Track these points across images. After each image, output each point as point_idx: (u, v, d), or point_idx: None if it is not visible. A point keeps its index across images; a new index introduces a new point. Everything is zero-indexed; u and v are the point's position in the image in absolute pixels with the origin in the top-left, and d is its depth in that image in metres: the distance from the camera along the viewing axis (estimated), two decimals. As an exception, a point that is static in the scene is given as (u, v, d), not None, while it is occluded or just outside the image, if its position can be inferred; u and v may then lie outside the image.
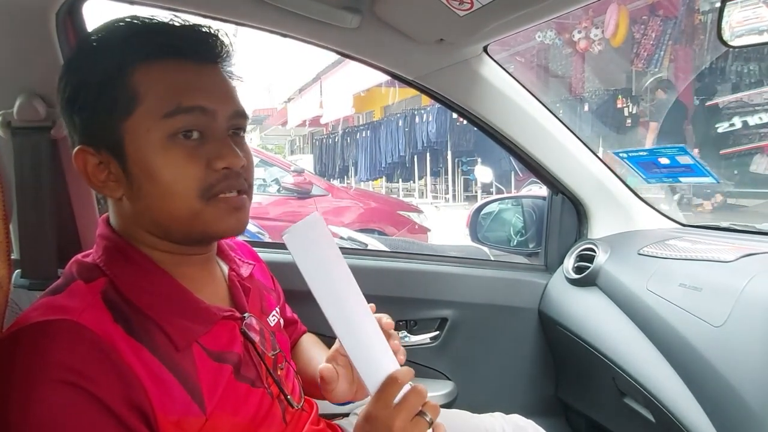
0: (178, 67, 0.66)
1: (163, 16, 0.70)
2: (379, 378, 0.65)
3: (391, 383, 0.64)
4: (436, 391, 1.43)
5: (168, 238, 0.69)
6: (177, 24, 0.68)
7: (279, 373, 0.79)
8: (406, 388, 0.65)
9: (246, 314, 0.76)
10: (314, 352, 0.97)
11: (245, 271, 0.83)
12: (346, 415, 1.05)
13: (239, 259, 0.85)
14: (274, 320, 0.85)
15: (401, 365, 0.68)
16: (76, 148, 0.68)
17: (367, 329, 0.67)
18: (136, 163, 0.65)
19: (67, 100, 0.67)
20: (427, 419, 0.64)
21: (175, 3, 1.07)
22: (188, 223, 0.67)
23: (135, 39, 0.66)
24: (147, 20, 0.68)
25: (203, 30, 0.68)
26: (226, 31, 0.70)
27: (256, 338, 0.75)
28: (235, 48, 0.71)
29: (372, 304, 0.71)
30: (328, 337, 1.16)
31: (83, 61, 0.67)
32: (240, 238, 0.98)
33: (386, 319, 0.76)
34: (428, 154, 11.11)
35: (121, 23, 0.68)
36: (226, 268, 0.81)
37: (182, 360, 0.65)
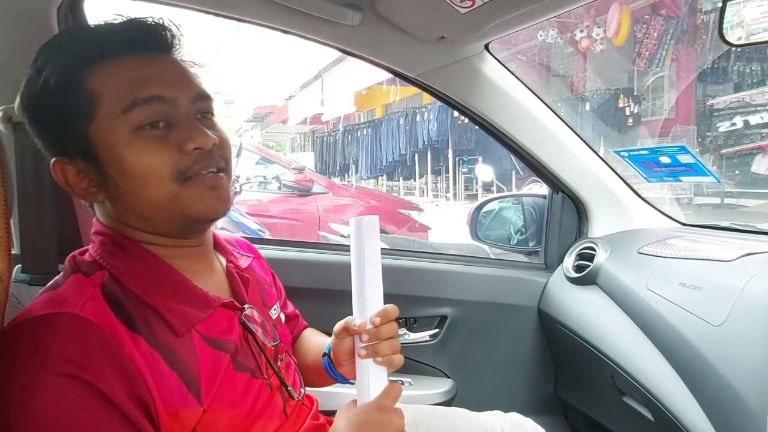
0: (131, 63, 0.67)
1: (108, 16, 0.70)
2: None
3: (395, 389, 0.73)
4: (436, 388, 1.43)
5: (155, 230, 0.69)
6: (122, 21, 0.69)
7: (279, 364, 0.79)
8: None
9: (246, 305, 0.76)
10: (317, 339, 0.97)
11: (243, 262, 0.84)
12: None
13: (237, 252, 0.86)
14: (275, 314, 0.86)
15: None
16: (52, 161, 0.68)
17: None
18: (109, 164, 0.65)
19: (33, 115, 0.68)
20: None
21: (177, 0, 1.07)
22: (168, 208, 0.67)
23: (84, 43, 0.67)
24: (90, 25, 0.69)
25: (150, 22, 0.69)
26: (171, 19, 0.71)
27: (257, 330, 0.75)
28: (185, 35, 0.72)
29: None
30: (328, 335, 1.17)
31: (39, 74, 0.67)
32: (240, 236, 0.99)
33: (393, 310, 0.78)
34: (429, 153, 11.10)
35: (67, 32, 0.69)
36: (224, 262, 0.81)
37: (181, 348, 0.66)
